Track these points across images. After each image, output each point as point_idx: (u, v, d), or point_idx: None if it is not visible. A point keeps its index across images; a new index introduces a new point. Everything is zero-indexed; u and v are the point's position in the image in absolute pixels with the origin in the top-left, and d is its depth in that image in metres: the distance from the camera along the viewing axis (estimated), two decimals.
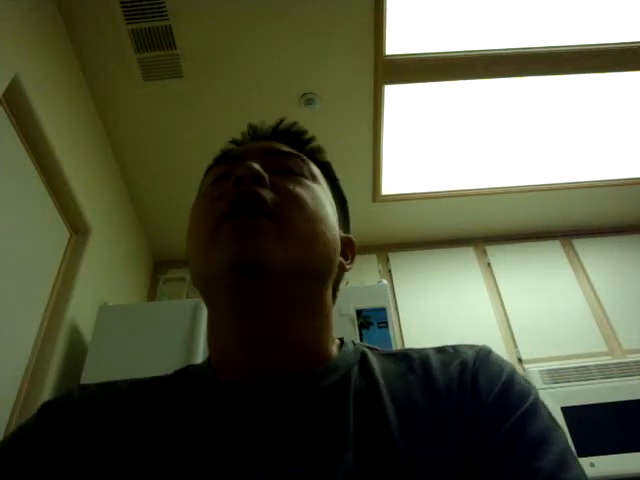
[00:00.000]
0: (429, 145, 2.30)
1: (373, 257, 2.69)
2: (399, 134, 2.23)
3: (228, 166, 0.54)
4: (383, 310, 1.74)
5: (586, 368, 2.05)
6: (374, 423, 0.42)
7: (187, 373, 0.53)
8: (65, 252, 1.86)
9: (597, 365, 2.07)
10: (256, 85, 1.98)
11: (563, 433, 0.42)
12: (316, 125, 2.34)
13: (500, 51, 1.91)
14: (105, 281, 2.10)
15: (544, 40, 1.90)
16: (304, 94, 2.02)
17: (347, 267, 0.57)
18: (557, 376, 2.03)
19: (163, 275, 2.61)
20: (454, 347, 0.50)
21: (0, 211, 1.45)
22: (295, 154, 0.56)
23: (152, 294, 2.61)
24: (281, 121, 0.61)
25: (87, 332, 1.86)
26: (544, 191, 2.58)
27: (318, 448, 0.40)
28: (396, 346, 1.77)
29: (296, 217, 0.48)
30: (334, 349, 0.52)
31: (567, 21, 1.84)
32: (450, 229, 2.76)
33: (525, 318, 2.39)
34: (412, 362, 0.49)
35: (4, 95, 1.45)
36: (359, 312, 1.73)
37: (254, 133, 0.61)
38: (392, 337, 1.69)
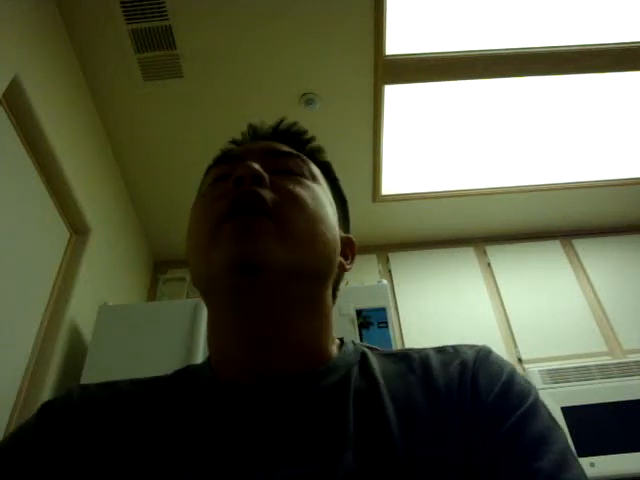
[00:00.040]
0: (429, 145, 2.30)
1: (373, 257, 2.69)
2: (399, 134, 2.23)
3: (228, 166, 0.54)
4: (383, 310, 1.74)
5: (586, 368, 2.05)
6: (374, 423, 0.42)
7: (187, 373, 0.53)
8: (65, 252, 1.86)
9: (597, 365, 2.07)
10: (256, 85, 1.98)
11: (563, 433, 0.42)
12: (316, 125, 2.33)
13: (500, 51, 1.91)
14: (105, 281, 2.10)
15: (544, 40, 1.89)
16: (304, 94, 2.02)
17: (347, 267, 0.57)
18: (557, 376, 2.03)
19: (163, 275, 2.61)
20: (454, 347, 0.50)
21: (0, 211, 1.45)
22: (295, 154, 0.56)
23: (152, 294, 2.61)
24: (281, 121, 0.61)
25: (87, 332, 1.86)
26: (544, 191, 2.58)
27: (318, 448, 0.40)
28: (396, 346, 1.77)
29: (296, 217, 0.48)
30: (334, 349, 0.52)
31: (567, 21, 1.84)
32: (450, 229, 2.76)
33: (525, 318, 2.39)
34: (412, 362, 0.49)
35: (4, 95, 1.45)
36: (359, 312, 1.73)
37: (254, 133, 0.61)
38: (392, 337, 1.69)
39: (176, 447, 0.42)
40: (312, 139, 0.61)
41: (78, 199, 1.84)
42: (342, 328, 1.62)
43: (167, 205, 2.45)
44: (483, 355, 0.48)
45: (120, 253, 2.30)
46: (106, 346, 1.75)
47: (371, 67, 1.94)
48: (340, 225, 0.57)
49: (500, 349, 2.23)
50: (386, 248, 2.74)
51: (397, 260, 2.69)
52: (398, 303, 2.46)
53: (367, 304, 1.75)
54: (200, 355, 1.65)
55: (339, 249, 0.54)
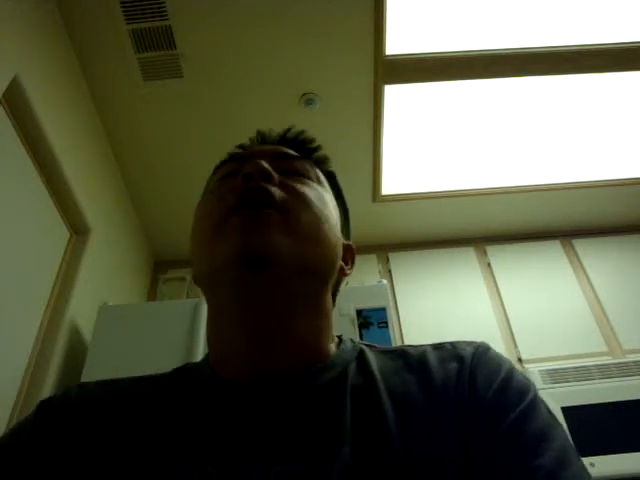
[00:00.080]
0: (429, 145, 2.30)
1: (373, 257, 2.69)
2: (399, 134, 2.23)
3: (236, 164, 0.55)
4: (383, 310, 1.74)
5: (586, 368, 2.05)
6: (371, 419, 0.42)
7: (185, 371, 0.53)
8: (65, 252, 1.86)
9: (597, 365, 2.07)
10: (256, 85, 1.98)
11: (563, 430, 0.42)
12: (316, 125, 2.34)
13: (499, 51, 1.91)
14: (105, 281, 2.10)
15: (543, 40, 1.90)
16: (304, 94, 2.02)
17: (347, 272, 0.57)
18: (557, 376, 2.03)
19: (163, 275, 2.61)
20: (452, 344, 0.50)
21: (0, 211, 1.46)
22: (303, 158, 0.57)
23: (152, 294, 2.61)
24: (289, 129, 0.61)
25: (87, 332, 1.86)
26: (544, 191, 2.58)
27: (315, 444, 0.40)
28: (398, 345, 1.77)
29: (303, 215, 0.49)
30: (332, 347, 0.52)
31: (566, 21, 1.84)
32: (450, 229, 2.76)
33: (525, 318, 2.39)
34: (410, 358, 0.49)
35: (4, 95, 1.45)
36: (359, 312, 1.73)
37: (262, 139, 0.62)
38: (392, 337, 1.69)
39: (173, 443, 0.42)
40: (318, 148, 0.61)
41: (78, 199, 1.84)
42: (342, 328, 1.62)
43: (167, 205, 2.45)
44: (481, 351, 0.48)
45: (120, 253, 2.30)
46: (106, 346, 1.75)
47: (371, 67, 1.94)
48: (342, 231, 0.57)
49: (500, 349, 2.23)
50: (386, 248, 2.74)
51: (397, 260, 2.69)
52: (398, 303, 2.46)
53: (367, 304, 1.75)
54: (200, 355, 1.65)
55: (341, 253, 0.55)
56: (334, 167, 0.63)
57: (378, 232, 2.69)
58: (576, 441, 1.71)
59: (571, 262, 2.63)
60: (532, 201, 2.63)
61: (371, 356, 0.50)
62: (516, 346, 2.30)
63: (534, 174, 2.49)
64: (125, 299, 2.27)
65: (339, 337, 0.55)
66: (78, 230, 1.92)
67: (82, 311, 1.86)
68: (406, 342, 2.29)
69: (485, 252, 2.71)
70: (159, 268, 2.70)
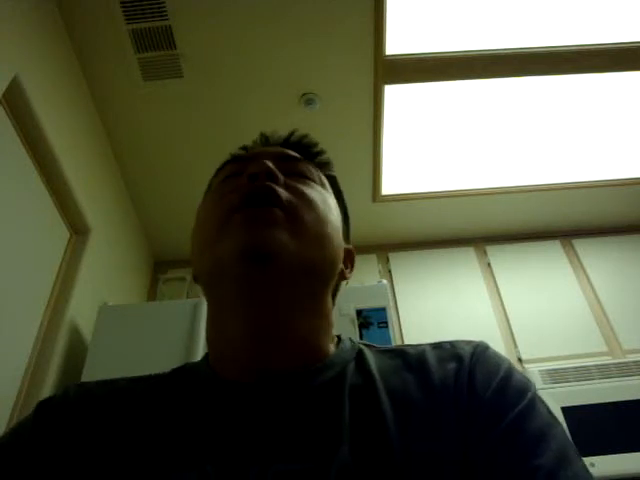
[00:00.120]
0: (429, 145, 2.30)
1: (373, 257, 2.69)
2: (399, 134, 2.23)
3: (240, 165, 0.55)
4: (383, 310, 1.74)
5: (586, 368, 2.05)
6: (370, 418, 0.42)
7: (185, 370, 0.53)
8: (65, 252, 1.86)
9: (597, 365, 2.07)
10: (256, 85, 1.98)
11: (563, 429, 0.42)
12: (316, 125, 2.34)
13: (499, 51, 1.91)
14: (105, 281, 2.10)
15: (543, 40, 1.90)
16: (304, 94, 2.02)
17: (347, 275, 0.58)
18: (557, 376, 2.03)
19: (163, 275, 2.61)
20: (451, 343, 0.50)
21: (0, 211, 1.46)
22: (307, 160, 0.57)
23: (152, 294, 2.61)
24: (292, 132, 0.61)
25: (87, 332, 1.86)
26: (544, 191, 2.58)
27: (313, 443, 0.40)
28: (398, 344, 1.77)
29: (307, 216, 0.49)
30: (332, 347, 0.52)
31: (566, 21, 1.84)
32: (450, 229, 2.76)
33: (525, 318, 2.39)
34: (408, 358, 0.49)
35: (4, 95, 1.45)
36: (359, 312, 1.73)
37: (266, 141, 0.62)
38: (392, 337, 1.69)
39: (172, 442, 0.43)
40: (322, 152, 0.61)
41: (78, 199, 1.84)
42: (342, 328, 1.63)
43: (167, 205, 2.45)
44: (480, 351, 0.48)
45: (120, 253, 2.30)
46: (106, 346, 1.75)
47: (371, 67, 1.94)
48: (343, 235, 0.58)
49: (500, 349, 2.23)
50: (386, 248, 2.75)
51: (397, 260, 2.69)
52: (398, 303, 2.46)
53: (367, 304, 1.75)
54: (200, 355, 1.64)
55: (342, 255, 0.55)
56: (334, 167, 0.63)
57: (378, 232, 2.69)
58: (576, 441, 1.71)
59: (571, 262, 2.63)
60: (532, 201, 2.63)
61: (370, 355, 0.50)
62: (516, 346, 2.30)
63: (534, 174, 2.49)
64: (125, 299, 2.27)
65: (338, 337, 0.55)
66: (78, 230, 1.92)
67: (82, 311, 1.86)
68: (406, 342, 2.29)
69: (485, 252, 2.71)
70: (159, 268, 2.70)
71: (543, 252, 2.68)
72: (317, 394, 0.45)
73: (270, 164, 0.50)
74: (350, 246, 0.60)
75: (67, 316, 1.75)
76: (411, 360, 0.48)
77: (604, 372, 2.04)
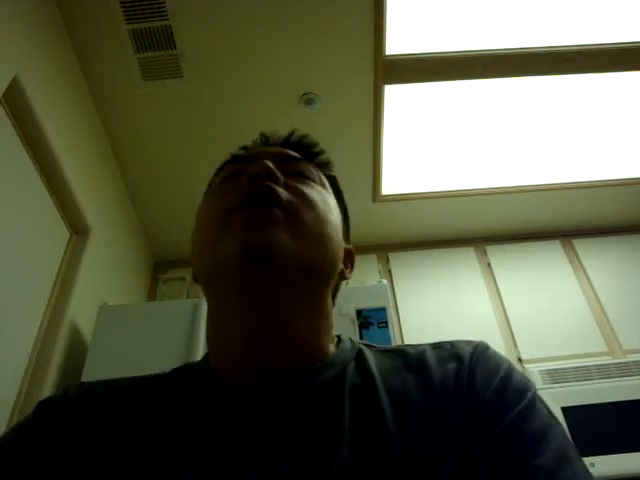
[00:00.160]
0: (429, 145, 2.30)
1: (373, 257, 2.69)
2: (399, 134, 2.23)
3: (240, 165, 0.55)
4: (383, 310, 1.74)
5: (586, 368, 2.05)
6: (370, 417, 0.42)
7: (185, 370, 0.53)
8: (65, 252, 1.86)
9: (597, 365, 2.07)
10: (256, 85, 1.98)
11: (562, 429, 0.42)
12: (316, 125, 2.34)
13: (499, 51, 1.91)
14: (105, 281, 2.10)
15: (543, 40, 1.90)
16: (304, 94, 2.02)
17: (347, 275, 0.58)
18: (557, 376, 2.03)
19: (163, 275, 2.61)
20: (451, 343, 0.50)
21: (0, 211, 1.46)
22: (307, 160, 0.57)
23: (152, 294, 2.61)
24: (292, 132, 0.61)
25: (87, 332, 1.86)
26: (544, 191, 2.58)
27: (314, 443, 0.40)
28: (398, 344, 1.77)
29: (307, 216, 0.49)
30: (332, 347, 0.52)
31: (566, 21, 1.84)
32: (450, 229, 2.76)
33: (525, 318, 2.39)
34: (408, 358, 0.49)
35: (4, 95, 1.45)
36: (359, 312, 1.73)
37: (266, 140, 0.62)
38: (392, 337, 1.69)
39: (172, 442, 0.43)
40: (322, 152, 0.61)
41: (78, 199, 1.84)
42: (342, 328, 1.63)
43: (167, 205, 2.45)
44: (480, 351, 0.48)
45: (120, 253, 2.30)
46: (106, 346, 1.75)
47: (371, 67, 1.94)
48: (343, 235, 0.58)
49: (500, 349, 2.23)
50: (386, 248, 2.75)
51: (397, 260, 2.69)
52: (398, 303, 2.46)
53: (367, 304, 1.75)
54: (200, 355, 1.64)
55: (342, 256, 0.55)
56: (334, 167, 0.63)
57: (378, 232, 2.69)
58: (576, 441, 1.71)
59: (571, 262, 2.63)
60: (532, 201, 2.63)
61: (370, 355, 0.50)
62: (516, 346, 2.30)
63: (534, 174, 2.49)
64: (125, 299, 2.27)
65: (338, 337, 0.55)
66: (78, 230, 1.92)
67: (82, 311, 1.86)
68: (406, 342, 2.29)
69: (485, 252, 2.71)
70: (159, 268, 2.70)
71: (543, 252, 2.68)
72: (317, 394, 0.45)
73: (270, 164, 0.50)
74: (350, 246, 0.60)
75: (67, 316, 1.75)
76: (411, 360, 0.48)
77: (604, 372, 2.04)
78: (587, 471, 0.39)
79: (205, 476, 0.39)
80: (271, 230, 0.46)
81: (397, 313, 2.42)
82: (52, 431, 0.45)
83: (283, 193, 0.49)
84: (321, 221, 0.50)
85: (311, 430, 0.42)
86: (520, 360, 2.24)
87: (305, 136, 0.61)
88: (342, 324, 1.66)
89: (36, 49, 1.60)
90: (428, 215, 2.67)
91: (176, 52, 1.83)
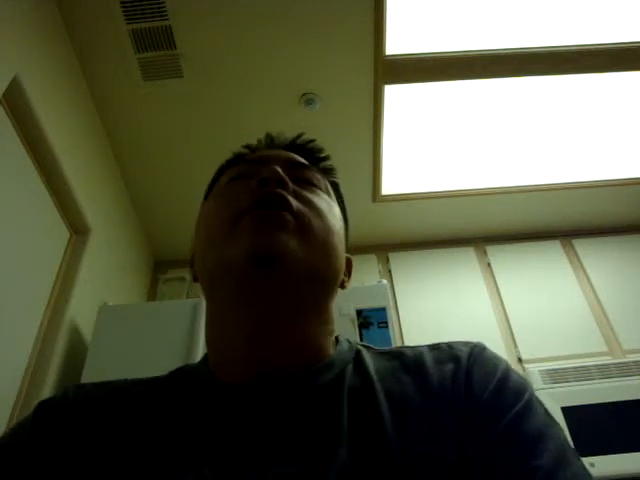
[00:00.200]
0: (429, 145, 2.30)
1: (373, 257, 2.69)
2: (399, 134, 2.23)
3: (248, 167, 0.55)
4: (383, 310, 1.74)
5: (586, 368, 2.05)
6: (368, 419, 0.42)
7: (183, 372, 0.53)
8: (65, 252, 1.86)
9: (597, 365, 2.07)
10: (256, 85, 1.98)
11: (560, 429, 0.42)
12: (316, 125, 2.34)
13: (499, 51, 1.91)
14: (105, 281, 2.10)
15: (543, 40, 1.90)
16: (304, 94, 2.02)
17: (346, 285, 0.58)
18: (557, 376, 2.03)
19: (163, 275, 2.61)
20: (448, 344, 0.50)
21: (0, 211, 1.46)
22: (315, 168, 0.57)
23: (152, 294, 2.61)
24: (299, 135, 0.61)
25: (87, 332, 1.86)
26: (544, 191, 2.58)
27: (312, 445, 0.40)
28: (396, 346, 1.77)
29: (316, 225, 0.49)
30: (331, 348, 0.52)
31: (566, 21, 1.84)
32: (450, 229, 2.76)
33: (525, 318, 2.39)
34: (406, 359, 0.49)
35: (4, 95, 1.45)
36: (359, 312, 1.73)
37: (271, 141, 0.62)
38: (392, 337, 1.69)
39: (170, 444, 0.42)
40: (326, 158, 0.61)
41: (78, 199, 1.84)
42: (342, 328, 1.62)
43: (167, 205, 2.45)
44: (477, 352, 0.48)
45: (120, 253, 2.30)
46: (106, 346, 1.75)
47: (371, 67, 1.94)
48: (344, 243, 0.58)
49: (500, 349, 2.23)
50: (386, 248, 2.75)
51: (397, 260, 2.69)
52: (398, 303, 2.46)
53: (367, 304, 1.75)
54: (199, 355, 1.64)
55: (345, 264, 0.56)
56: (337, 173, 0.63)
57: (378, 232, 2.69)
58: (576, 441, 1.72)
59: (571, 262, 2.63)
60: (532, 201, 2.63)
61: (368, 357, 0.51)
62: (516, 346, 2.30)
63: (534, 174, 2.49)
64: (125, 299, 2.27)
65: (336, 338, 0.55)
66: (78, 230, 1.92)
67: (82, 311, 1.86)
68: (406, 342, 2.29)
69: (485, 252, 2.71)
70: (159, 268, 2.70)
71: (543, 252, 2.68)
72: (316, 396, 0.45)
73: (280, 171, 0.50)
74: (349, 255, 0.61)
75: (67, 316, 1.75)
76: (409, 362, 0.48)
77: (604, 372, 2.04)
78: (586, 471, 0.39)
79: (202, 479, 0.39)
80: (280, 235, 0.46)
81: (397, 313, 2.42)
82: (51, 432, 0.45)
83: (293, 201, 0.49)
84: (328, 231, 0.51)
85: (310, 432, 0.42)
86: (520, 360, 2.24)
87: (311, 140, 0.61)
88: (342, 324, 1.66)
89: (36, 49, 1.60)
90: (428, 215, 2.67)
91: (176, 52, 1.83)
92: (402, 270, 2.64)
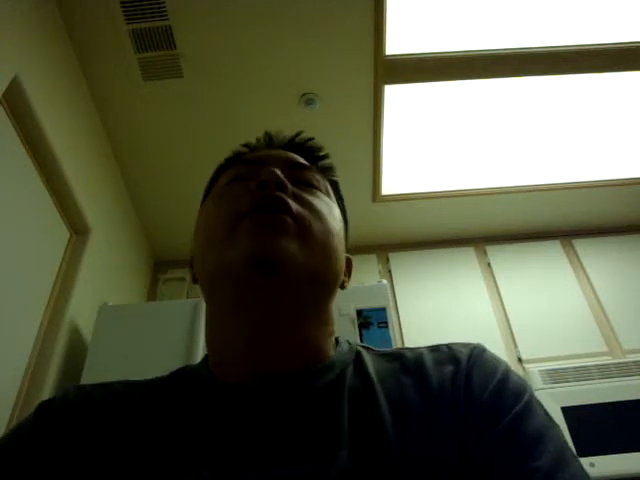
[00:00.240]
0: (429, 145, 2.30)
1: (373, 257, 2.69)
2: (399, 134, 2.23)
3: (248, 168, 0.55)
4: (383, 310, 1.74)
5: (586, 368, 2.05)
6: (368, 421, 0.42)
7: (184, 374, 0.53)
8: (65, 252, 1.86)
9: (597, 365, 2.07)
10: (256, 85, 1.98)
11: (559, 430, 0.42)
12: (316, 125, 2.34)
13: (498, 51, 1.91)
14: (105, 281, 2.10)
15: (542, 40, 1.90)
16: (304, 94, 2.02)
17: (346, 285, 0.58)
18: (557, 376, 2.03)
19: (163, 275, 2.61)
20: (448, 346, 0.50)
21: (0, 211, 1.46)
22: (314, 168, 0.57)
23: (152, 294, 2.61)
24: (297, 134, 0.61)
25: (87, 332, 1.86)
26: (544, 191, 2.58)
27: (313, 447, 0.40)
28: (396, 346, 1.77)
29: (316, 228, 0.49)
30: (331, 349, 0.52)
31: (565, 21, 1.84)
32: (450, 229, 2.76)
33: (525, 318, 2.39)
34: (406, 361, 0.49)
35: (4, 95, 1.45)
36: (359, 312, 1.73)
37: (270, 140, 0.61)
38: (392, 337, 1.69)
39: (170, 446, 0.42)
40: (326, 156, 0.61)
41: (78, 199, 1.84)
42: (342, 328, 1.62)
43: (167, 205, 2.45)
44: (477, 353, 0.48)
45: (120, 253, 2.30)
46: (106, 346, 1.75)
47: (371, 67, 1.94)
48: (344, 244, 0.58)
49: (500, 349, 2.24)
50: (386, 248, 2.75)
51: (397, 260, 2.69)
52: (398, 303, 2.46)
53: (367, 304, 1.75)
54: (200, 355, 1.65)
55: (345, 265, 0.56)
56: (337, 172, 0.63)
57: (378, 232, 2.69)
58: (576, 441, 1.72)
59: (571, 262, 2.63)
60: (532, 201, 2.63)
61: (368, 358, 0.51)
62: (516, 346, 2.30)
63: (534, 174, 2.49)
64: (125, 299, 2.27)
65: (336, 339, 0.55)
66: (78, 230, 1.92)
67: (82, 311, 1.86)
68: (406, 342, 2.30)
69: (485, 252, 2.71)
70: (159, 268, 2.70)
71: (543, 252, 2.68)
72: (317, 397, 0.45)
73: (280, 173, 0.49)
74: (349, 255, 0.60)
75: (67, 316, 1.75)
76: (409, 363, 0.48)
77: (604, 372, 2.03)
78: (584, 472, 0.39)
79: None
80: (280, 239, 0.46)
81: (397, 313, 2.42)
82: (52, 433, 0.45)
83: (293, 204, 0.49)
84: (328, 233, 0.50)
85: (310, 434, 0.41)
86: (520, 360, 2.24)
87: (310, 139, 0.61)
88: (342, 324, 1.66)
89: (36, 49, 1.60)
90: (428, 215, 2.67)
91: (176, 52, 1.83)
92: (402, 270, 2.64)
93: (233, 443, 0.42)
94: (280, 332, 0.47)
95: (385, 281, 1.94)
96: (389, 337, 1.68)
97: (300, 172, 0.55)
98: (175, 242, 2.56)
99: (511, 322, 2.39)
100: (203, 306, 1.79)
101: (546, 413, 0.43)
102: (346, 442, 0.40)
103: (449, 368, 0.46)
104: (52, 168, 1.71)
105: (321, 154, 0.61)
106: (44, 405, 0.49)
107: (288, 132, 0.62)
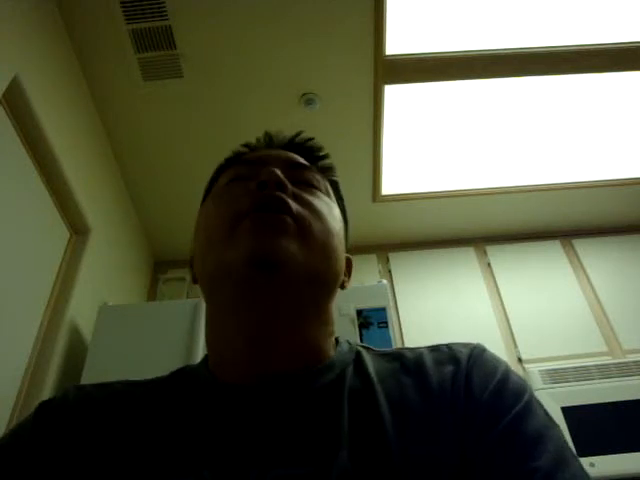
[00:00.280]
0: (429, 145, 2.30)
1: (373, 257, 2.69)
2: (399, 134, 2.23)
3: (248, 168, 0.55)
4: (383, 310, 1.74)
5: (586, 368, 2.05)
6: (369, 421, 0.42)
7: (184, 374, 0.53)
8: (65, 252, 1.86)
9: (597, 365, 2.07)
10: (256, 85, 1.98)
11: (559, 430, 0.42)
12: (316, 125, 2.34)
13: (498, 51, 1.91)
14: (105, 281, 2.10)
15: (542, 40, 1.90)
16: (304, 94, 2.02)
17: (346, 285, 0.58)
18: (557, 376, 2.03)
19: (163, 275, 2.61)
20: (448, 346, 0.50)
21: (0, 211, 1.46)
22: (314, 168, 0.57)
23: (152, 294, 2.61)
24: (298, 134, 0.61)
25: (87, 332, 1.86)
26: (544, 191, 2.58)
27: (313, 447, 0.40)
28: (396, 346, 1.77)
29: (316, 228, 0.49)
30: (331, 349, 0.52)
31: (565, 21, 1.84)
32: (450, 229, 2.76)
33: (525, 318, 2.39)
34: (406, 361, 0.49)
35: (4, 95, 1.45)
36: (359, 312, 1.73)
37: (270, 140, 0.61)
38: (392, 337, 1.69)
39: (169, 446, 0.42)
40: (326, 156, 0.61)
41: (78, 199, 1.84)
42: (342, 328, 1.62)
43: (167, 205, 2.45)
44: (477, 353, 0.48)
45: (120, 253, 2.30)
46: (106, 346, 1.75)
47: (371, 67, 1.94)
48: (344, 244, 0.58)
49: (500, 349, 2.24)
50: (386, 248, 2.75)
51: (397, 260, 2.69)
52: (398, 303, 2.46)
53: (367, 304, 1.75)
54: (200, 355, 1.65)
55: (345, 265, 0.56)
56: (337, 172, 0.63)
57: (378, 232, 2.70)
58: (576, 441, 1.72)
59: (571, 262, 2.63)
60: (532, 201, 2.63)
61: (368, 358, 0.51)
62: (516, 346, 2.30)
63: (534, 174, 2.49)
64: (125, 299, 2.27)
65: (336, 339, 0.55)
66: (78, 230, 1.92)
67: (82, 311, 1.86)
68: (406, 342, 2.30)
69: (485, 252, 2.71)
70: (159, 268, 2.70)
71: (543, 252, 2.68)
72: (317, 397, 0.45)
73: (280, 173, 0.49)
74: (349, 255, 0.60)
75: (67, 316, 1.75)
76: (409, 363, 0.48)
77: (604, 372, 2.03)
78: (584, 472, 0.39)
79: None
80: (280, 239, 0.46)
81: (397, 313, 2.42)
82: (52, 433, 0.45)
83: (293, 204, 0.49)
84: (328, 233, 0.50)
85: (310, 434, 0.41)
86: (520, 360, 2.24)
87: (310, 139, 0.61)
88: (342, 324, 1.66)
89: (36, 49, 1.60)
90: (428, 215, 2.67)
91: (176, 52, 1.83)
92: (402, 270, 2.64)
93: (233, 443, 0.42)
94: (280, 332, 0.47)
95: (385, 281, 1.94)
96: (389, 337, 1.68)
97: (300, 172, 0.55)
98: (175, 242, 2.56)
99: (511, 322, 2.39)
100: (203, 306, 1.79)
101: (546, 413, 0.43)
102: (346, 442, 0.40)
103: (449, 368, 0.46)
104: (52, 168, 1.71)
105: (321, 154, 0.61)
106: (44, 405, 0.49)
107: (288, 132, 0.62)
